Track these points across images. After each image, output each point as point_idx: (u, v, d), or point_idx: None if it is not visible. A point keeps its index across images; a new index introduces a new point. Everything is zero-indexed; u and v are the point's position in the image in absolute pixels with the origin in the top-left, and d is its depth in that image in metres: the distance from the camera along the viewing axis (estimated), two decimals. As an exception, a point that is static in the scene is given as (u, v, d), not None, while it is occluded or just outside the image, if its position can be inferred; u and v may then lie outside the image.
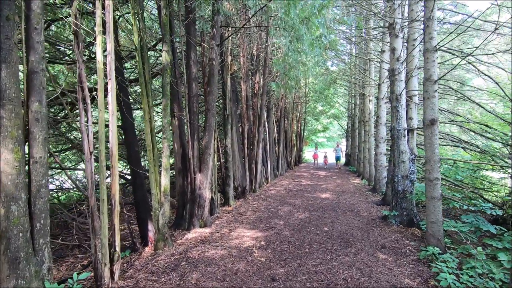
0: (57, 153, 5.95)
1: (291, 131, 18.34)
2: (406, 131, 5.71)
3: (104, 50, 3.31)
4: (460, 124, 6.14)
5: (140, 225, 4.64)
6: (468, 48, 6.55)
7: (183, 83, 5.55)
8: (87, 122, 3.22)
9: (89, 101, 3.25)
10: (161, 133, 7.26)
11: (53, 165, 5.07)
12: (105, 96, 3.34)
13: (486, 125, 5.97)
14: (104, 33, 3.29)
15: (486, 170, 6.07)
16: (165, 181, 4.30)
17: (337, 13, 11.44)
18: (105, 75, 3.34)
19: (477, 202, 4.43)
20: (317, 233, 5.06)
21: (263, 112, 9.40)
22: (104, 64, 3.41)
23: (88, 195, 3.16)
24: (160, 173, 4.40)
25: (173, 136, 5.67)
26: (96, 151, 3.85)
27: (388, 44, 8.55)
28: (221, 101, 8.50)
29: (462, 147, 7.21)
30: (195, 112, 5.57)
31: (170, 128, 5.83)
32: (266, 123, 11.02)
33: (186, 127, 5.43)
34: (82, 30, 3.35)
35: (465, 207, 4.13)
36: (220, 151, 7.99)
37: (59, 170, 6.42)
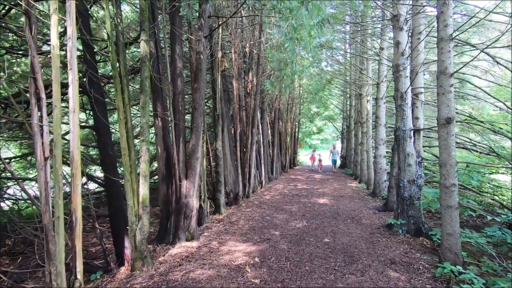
0: (16, 159, 5.28)
1: (286, 133, 17.86)
2: (412, 132, 5.26)
3: (64, 35, 2.73)
4: (469, 122, 5.72)
5: (116, 241, 4.03)
6: (477, 44, 6.18)
7: (167, 79, 4.98)
8: (41, 121, 2.63)
9: (43, 96, 2.67)
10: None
11: (7, 174, 4.42)
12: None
13: (492, 124, 5.58)
14: (65, 14, 2.72)
15: (498, 173, 5.68)
16: (143, 190, 3.72)
17: (333, 12, 11.05)
18: (66, 65, 2.77)
19: (498, 212, 3.97)
20: (318, 245, 4.53)
21: (256, 113, 8.86)
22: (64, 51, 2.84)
23: (42, 211, 2.56)
24: (138, 181, 3.81)
25: (156, 139, 5.09)
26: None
27: (388, 40, 8.15)
28: (211, 100, 7.93)
29: (466, 148, 6.82)
30: (180, 112, 5.00)
31: (152, 129, 5.26)
32: (260, 125, 10.49)
33: (170, 128, 4.86)
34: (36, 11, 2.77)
35: (489, 217, 3.66)
36: (211, 155, 7.41)
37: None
